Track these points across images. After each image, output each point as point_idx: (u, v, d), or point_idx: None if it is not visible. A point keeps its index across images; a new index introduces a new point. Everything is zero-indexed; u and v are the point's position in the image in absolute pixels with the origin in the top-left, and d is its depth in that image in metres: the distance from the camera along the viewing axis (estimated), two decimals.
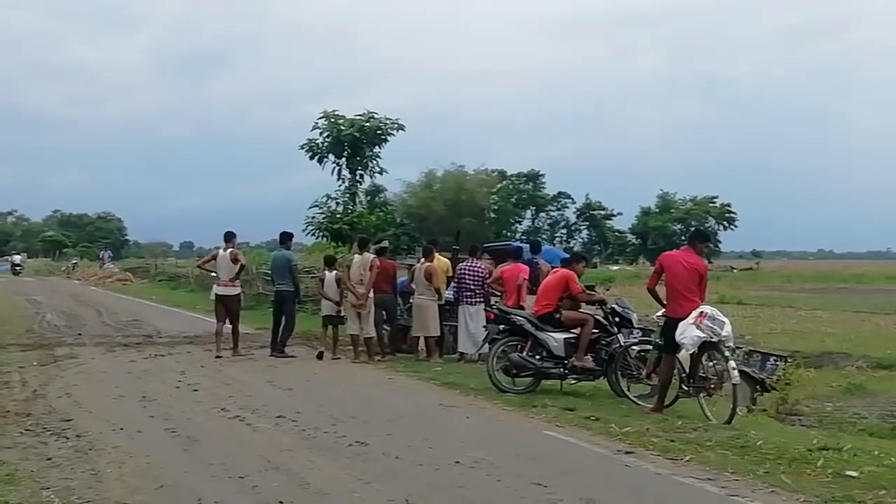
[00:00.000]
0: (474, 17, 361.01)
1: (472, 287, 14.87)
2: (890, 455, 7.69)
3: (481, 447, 8.09)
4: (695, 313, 9.83)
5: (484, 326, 13.40)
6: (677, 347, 10.03)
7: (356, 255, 15.18)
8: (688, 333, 9.77)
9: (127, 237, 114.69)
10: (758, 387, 13.91)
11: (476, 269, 15.03)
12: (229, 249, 15.24)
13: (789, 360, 14.96)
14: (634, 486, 6.90)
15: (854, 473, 7.05)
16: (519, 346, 11.53)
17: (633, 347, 11.53)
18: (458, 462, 7.49)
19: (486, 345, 12.35)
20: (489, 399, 10.95)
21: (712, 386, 10.14)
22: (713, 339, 9.74)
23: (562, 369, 11.37)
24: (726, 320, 9.89)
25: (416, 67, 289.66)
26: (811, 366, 17.57)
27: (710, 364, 10.05)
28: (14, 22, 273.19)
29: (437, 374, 12.92)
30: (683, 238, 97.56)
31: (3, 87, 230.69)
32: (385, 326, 15.52)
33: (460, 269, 15.16)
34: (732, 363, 9.82)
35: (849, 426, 12.60)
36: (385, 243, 17.26)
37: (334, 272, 15.32)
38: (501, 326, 11.91)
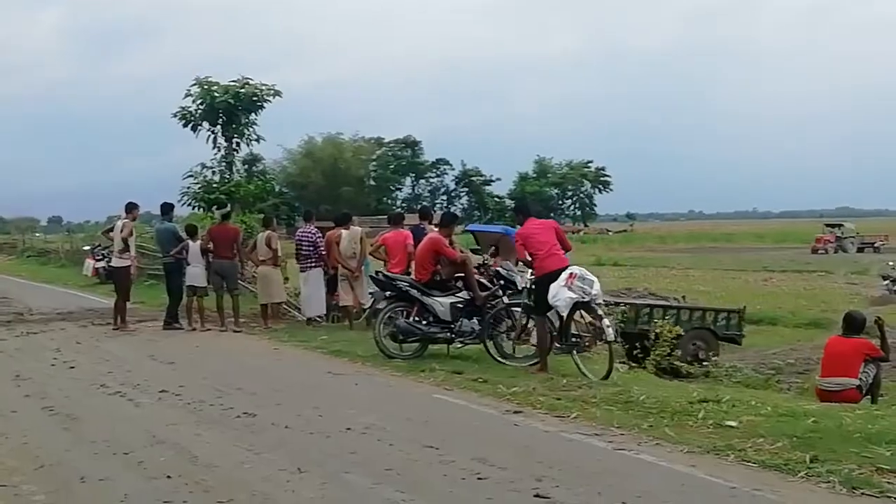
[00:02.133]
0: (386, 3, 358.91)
1: (305, 252, 15.24)
2: (766, 404, 7.98)
3: (372, 413, 8.06)
4: (565, 275, 10.07)
5: (371, 293, 13.49)
6: (549, 308, 10.27)
7: (343, 231, 15.07)
8: (560, 295, 10.01)
9: None
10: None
11: (308, 234, 15.41)
12: (124, 221, 14.87)
13: (738, 313, 15.78)
14: (524, 444, 6.99)
15: (733, 423, 7.29)
16: (405, 312, 11.51)
17: (517, 309, 11.64)
18: (349, 429, 7.45)
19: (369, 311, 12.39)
20: (377, 366, 10.93)
21: (587, 343, 10.58)
22: (585, 299, 9.98)
23: (448, 333, 11.40)
24: (595, 279, 10.17)
25: (326, 47, 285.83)
26: None
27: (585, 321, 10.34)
28: None
29: (323, 342, 12.82)
30: (560, 202, 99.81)
31: None
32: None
33: (297, 235, 15.39)
34: (607, 321, 10.14)
35: (725, 379, 13.10)
36: (227, 209, 17.27)
37: (198, 241, 15.27)
38: (387, 293, 11.87)
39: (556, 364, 10.60)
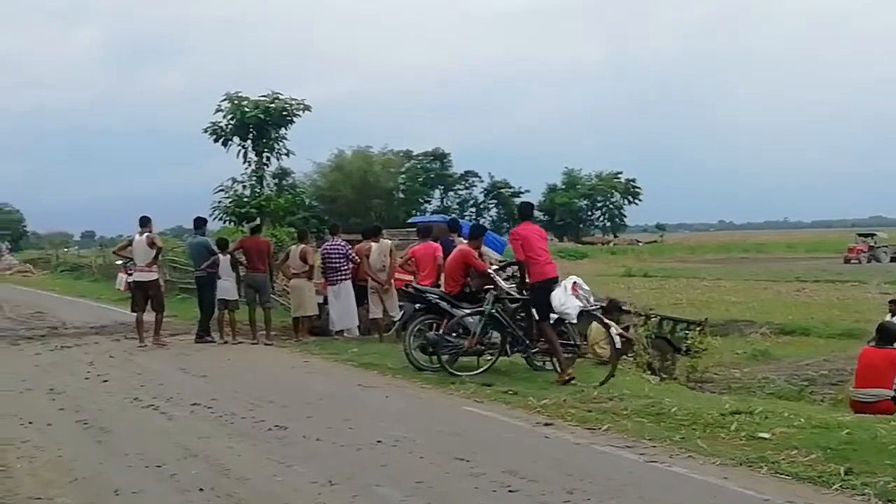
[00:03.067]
0: (408, 15, 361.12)
1: (334, 265, 15.16)
2: (799, 416, 7.90)
3: (402, 425, 8.09)
4: (568, 283, 10.47)
5: (400, 306, 13.50)
6: (549, 314, 10.51)
7: (373, 243, 15.23)
8: (570, 303, 10.33)
9: (26, 228, 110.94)
10: (675, 353, 14.21)
11: (338, 247, 15.35)
12: (145, 234, 14.90)
13: (699, 326, 15.39)
14: (555, 456, 6.97)
15: (766, 435, 7.24)
16: (435, 325, 11.53)
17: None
18: (379, 441, 7.47)
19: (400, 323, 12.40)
20: (407, 378, 10.95)
21: (583, 351, 11.10)
22: (590, 308, 10.54)
23: (478, 345, 11.38)
24: (588, 289, 10.73)
25: (348, 60, 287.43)
26: (717, 334, 18.03)
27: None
28: None
29: (353, 355, 12.86)
30: (590, 213, 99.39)
31: None
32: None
33: (324, 249, 15.41)
34: (614, 329, 10.49)
35: (758, 390, 12.98)
36: (257, 222, 17.34)
37: (228, 255, 15.35)
38: (417, 305, 11.89)
39: (585, 375, 10.58)
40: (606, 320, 10.71)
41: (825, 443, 6.81)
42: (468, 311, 11.20)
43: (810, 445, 6.77)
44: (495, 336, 11.27)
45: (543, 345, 10.85)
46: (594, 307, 10.74)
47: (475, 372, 10.93)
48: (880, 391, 9.63)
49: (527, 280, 10.76)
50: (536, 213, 75.39)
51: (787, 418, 7.83)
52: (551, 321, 10.63)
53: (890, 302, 15.92)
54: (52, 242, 69.40)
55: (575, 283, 10.53)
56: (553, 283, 10.59)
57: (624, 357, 12.91)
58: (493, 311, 10.96)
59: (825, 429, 7.34)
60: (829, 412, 9.14)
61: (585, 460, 6.85)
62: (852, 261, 53.86)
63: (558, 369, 10.63)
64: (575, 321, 10.61)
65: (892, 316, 15.06)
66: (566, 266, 51.36)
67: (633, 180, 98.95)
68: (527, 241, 10.68)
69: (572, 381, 10.15)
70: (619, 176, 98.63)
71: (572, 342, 10.97)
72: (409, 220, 20.06)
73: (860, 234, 62.35)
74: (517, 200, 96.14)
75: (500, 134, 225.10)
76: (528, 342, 11.03)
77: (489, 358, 11.52)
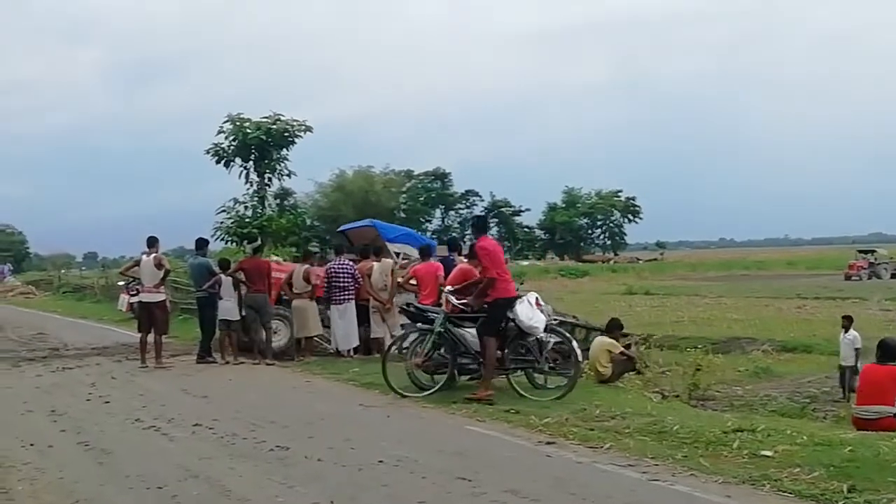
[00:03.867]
0: (412, 36, 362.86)
1: (342, 285, 15.20)
2: (802, 433, 7.91)
3: (404, 445, 8.08)
4: (532, 299, 10.79)
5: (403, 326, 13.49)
6: (499, 329, 10.69)
7: (375, 263, 15.36)
8: (537, 318, 10.63)
9: (28, 249, 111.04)
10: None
11: (346, 266, 15.39)
12: (153, 255, 14.90)
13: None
14: (557, 475, 6.96)
15: (769, 453, 7.24)
16: (436, 344, 11.51)
17: (549, 341, 11.64)
18: (381, 461, 7.46)
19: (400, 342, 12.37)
20: (409, 397, 10.92)
21: (539, 367, 11.04)
22: (551, 323, 10.99)
23: (479, 364, 11.37)
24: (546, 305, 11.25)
25: (355, 81, 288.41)
26: (719, 351, 18.04)
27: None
28: None
29: (355, 374, 12.86)
30: (590, 231, 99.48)
31: None
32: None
33: (329, 268, 15.35)
34: (575, 343, 10.90)
35: (760, 408, 12.95)
36: (258, 242, 17.37)
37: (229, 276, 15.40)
38: (418, 324, 11.88)
39: (588, 394, 10.59)
40: (567, 334, 11.14)
41: (828, 460, 6.80)
42: (417, 328, 11.41)
43: (813, 463, 6.77)
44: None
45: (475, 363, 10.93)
46: (555, 321, 11.11)
47: (425, 393, 10.99)
48: (882, 408, 9.60)
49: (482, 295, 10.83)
50: (537, 232, 75.75)
51: (790, 436, 7.83)
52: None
53: (843, 317, 15.97)
54: (54, 264, 69.44)
55: (537, 298, 10.84)
56: (514, 301, 10.69)
57: (626, 375, 12.99)
58: (442, 329, 11.03)
59: (828, 446, 7.35)
60: (831, 429, 9.13)
61: (588, 479, 6.84)
62: (853, 277, 53.88)
63: (479, 385, 10.74)
64: (542, 335, 10.72)
65: (846, 332, 15.15)
66: (567, 284, 51.41)
67: (633, 198, 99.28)
68: (496, 255, 10.81)
69: (487, 402, 10.25)
70: (619, 194, 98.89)
71: (533, 358, 10.93)
72: (339, 229, 19.92)
73: (860, 251, 62.32)
74: (518, 220, 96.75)
75: (502, 153, 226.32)
76: (480, 361, 11.00)
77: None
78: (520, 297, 10.85)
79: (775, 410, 12.77)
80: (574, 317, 17.54)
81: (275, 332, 15.66)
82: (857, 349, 14.88)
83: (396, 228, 19.50)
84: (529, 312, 10.60)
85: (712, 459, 7.20)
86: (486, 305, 10.81)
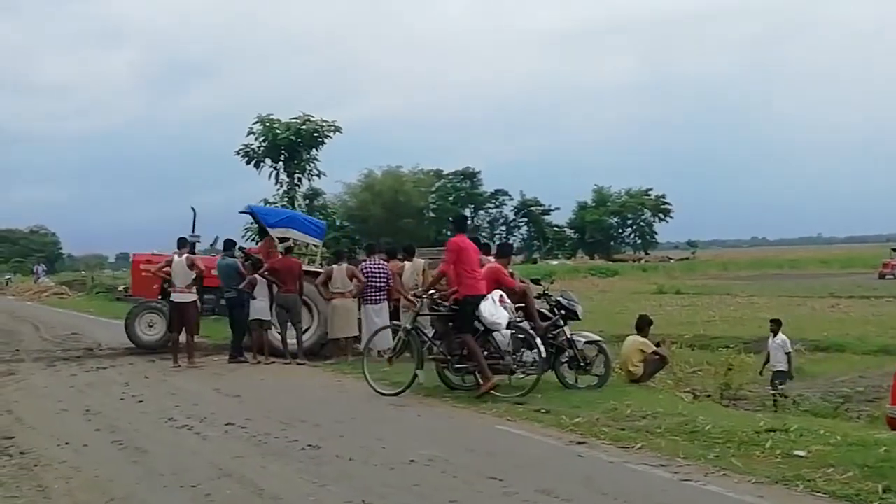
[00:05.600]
0: (445, 32, 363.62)
1: (378, 284, 15.19)
2: (835, 433, 7.84)
3: (435, 445, 8.09)
4: (496, 297, 10.91)
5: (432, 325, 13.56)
6: (474, 327, 10.89)
7: (406, 263, 15.41)
8: (500, 314, 10.77)
9: (61, 250, 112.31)
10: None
11: (381, 266, 15.37)
12: (185, 255, 15.02)
13: None
14: (588, 475, 6.95)
15: (802, 453, 7.19)
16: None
17: (580, 339, 11.65)
18: (412, 461, 7.48)
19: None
20: (439, 397, 10.96)
21: (507, 367, 11.06)
22: (515, 321, 11.01)
23: (510, 364, 11.38)
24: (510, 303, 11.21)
25: (384, 82, 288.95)
26: (751, 351, 17.86)
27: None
28: None
29: (385, 374, 12.86)
30: (620, 231, 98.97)
31: None
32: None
33: (365, 268, 15.37)
34: (538, 340, 10.93)
35: (793, 408, 12.85)
36: (289, 242, 17.37)
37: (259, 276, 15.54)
38: (449, 324, 11.90)
39: (619, 394, 10.57)
40: (530, 331, 11.09)
41: (862, 460, 6.74)
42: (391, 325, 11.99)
43: (847, 463, 6.71)
44: (528, 355, 11.30)
45: (469, 361, 11.03)
46: (519, 320, 11.14)
47: (399, 390, 11.18)
48: None
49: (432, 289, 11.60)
50: (567, 231, 75.42)
51: (823, 436, 7.77)
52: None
53: (772, 321, 15.67)
54: (87, 264, 70.18)
55: (501, 295, 10.98)
56: (482, 299, 10.85)
57: (657, 374, 12.92)
58: (411, 328, 11.41)
59: (862, 446, 7.28)
60: (865, 429, 9.02)
61: (619, 479, 6.83)
62: (887, 276, 53.18)
63: (480, 380, 10.86)
64: (504, 331, 10.85)
65: (774, 336, 14.91)
66: (598, 283, 51.22)
67: (664, 196, 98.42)
68: (465, 253, 11.05)
69: (494, 392, 10.61)
70: (650, 193, 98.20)
71: (498, 355, 11.00)
72: (246, 210, 19.30)
73: (895, 249, 61.63)
74: (547, 219, 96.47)
75: (531, 152, 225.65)
76: (449, 357, 11.25)
77: (520, 377, 11.51)
78: (477, 297, 10.94)
79: (808, 410, 12.66)
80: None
81: (150, 326, 16.08)
82: (787, 353, 14.92)
83: (278, 212, 18.97)
84: (492, 309, 10.77)
85: (745, 459, 7.16)
86: (455, 305, 11.12)
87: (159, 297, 16.96)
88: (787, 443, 7.57)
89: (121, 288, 17.42)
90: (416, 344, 11.36)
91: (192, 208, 18.07)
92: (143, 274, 17.24)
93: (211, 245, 18.38)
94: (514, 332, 11.36)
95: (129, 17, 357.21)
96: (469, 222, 14.36)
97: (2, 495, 6.79)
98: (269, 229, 17.88)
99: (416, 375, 11.17)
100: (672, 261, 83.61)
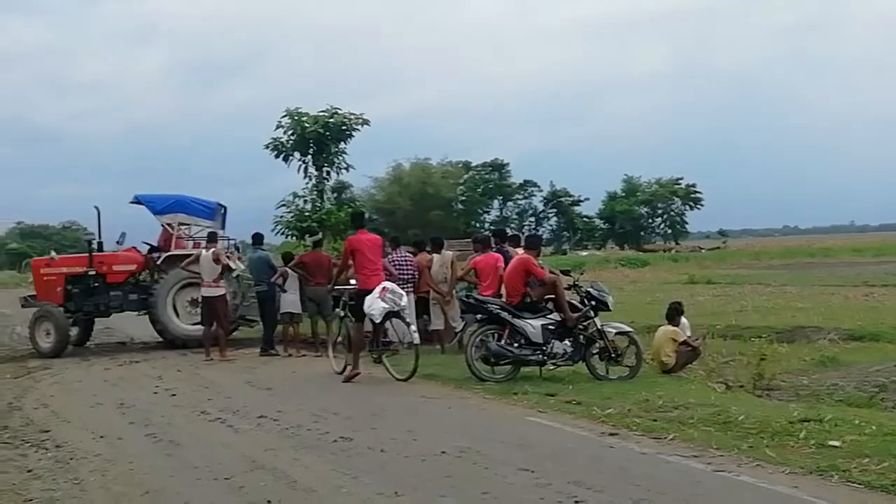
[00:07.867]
0: (473, 26, 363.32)
1: (405, 277, 15.05)
2: (870, 423, 7.75)
3: (466, 436, 8.10)
4: (378, 288, 11.78)
5: (462, 317, 13.64)
6: (364, 316, 11.97)
7: (434, 255, 15.40)
8: (375, 306, 11.68)
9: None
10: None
11: (408, 259, 15.34)
12: (212, 250, 15.13)
13: None
14: (621, 466, 6.93)
15: (836, 443, 7.12)
16: (497, 335, 11.54)
17: (610, 330, 11.61)
18: (444, 452, 7.49)
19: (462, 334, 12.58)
20: (470, 389, 10.96)
21: (395, 348, 12.43)
22: (395, 309, 11.74)
23: (541, 355, 11.38)
24: (403, 293, 12.23)
25: (412, 74, 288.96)
26: (784, 340, 17.70)
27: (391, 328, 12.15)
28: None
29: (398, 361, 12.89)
30: (651, 220, 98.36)
31: (16, 102, 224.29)
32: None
33: (392, 260, 15.28)
34: (413, 327, 11.94)
35: (827, 398, 12.72)
36: (319, 236, 17.34)
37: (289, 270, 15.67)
38: (478, 316, 11.92)
39: (650, 385, 10.53)
40: (409, 320, 12.11)
41: None
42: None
43: (882, 453, 6.64)
44: (559, 346, 11.34)
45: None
46: (402, 308, 11.87)
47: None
48: None
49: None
50: (597, 222, 75.08)
51: (858, 426, 7.69)
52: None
53: (673, 304, 14.20)
54: None
55: (385, 287, 11.82)
56: (369, 292, 11.82)
57: (690, 366, 12.83)
58: (344, 315, 12.74)
59: None
60: None
61: (652, 470, 6.79)
62: None
63: (350, 363, 12.18)
64: (378, 321, 11.82)
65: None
66: (628, 274, 50.92)
67: (694, 185, 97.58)
68: (359, 253, 12.05)
69: (354, 380, 11.92)
70: (680, 182, 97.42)
71: (389, 340, 12.39)
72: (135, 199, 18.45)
73: None
74: (577, 209, 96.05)
75: (560, 143, 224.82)
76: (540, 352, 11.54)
77: (551, 368, 11.56)
78: (372, 291, 11.84)
79: (842, 400, 12.52)
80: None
81: (47, 334, 16.23)
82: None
83: (164, 198, 17.92)
84: (369, 301, 11.72)
85: (778, 450, 7.10)
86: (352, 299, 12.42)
87: (63, 301, 17.01)
88: (822, 433, 7.50)
89: (28, 296, 17.40)
90: (346, 329, 12.67)
91: (96, 207, 17.88)
92: (45, 279, 17.29)
93: (117, 242, 18.24)
94: (546, 323, 11.39)
95: (162, 14, 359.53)
96: (365, 216, 14.71)
97: (39, 488, 6.88)
98: (157, 217, 17.84)
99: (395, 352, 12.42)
100: (703, 250, 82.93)
